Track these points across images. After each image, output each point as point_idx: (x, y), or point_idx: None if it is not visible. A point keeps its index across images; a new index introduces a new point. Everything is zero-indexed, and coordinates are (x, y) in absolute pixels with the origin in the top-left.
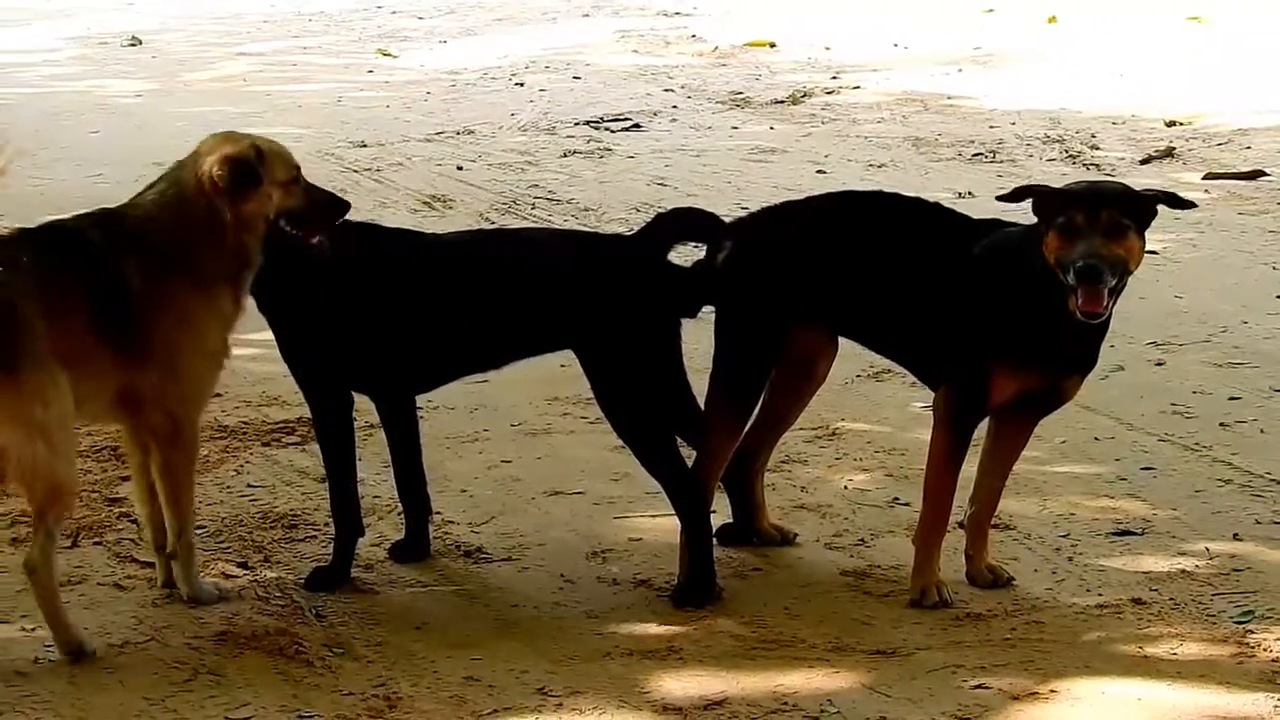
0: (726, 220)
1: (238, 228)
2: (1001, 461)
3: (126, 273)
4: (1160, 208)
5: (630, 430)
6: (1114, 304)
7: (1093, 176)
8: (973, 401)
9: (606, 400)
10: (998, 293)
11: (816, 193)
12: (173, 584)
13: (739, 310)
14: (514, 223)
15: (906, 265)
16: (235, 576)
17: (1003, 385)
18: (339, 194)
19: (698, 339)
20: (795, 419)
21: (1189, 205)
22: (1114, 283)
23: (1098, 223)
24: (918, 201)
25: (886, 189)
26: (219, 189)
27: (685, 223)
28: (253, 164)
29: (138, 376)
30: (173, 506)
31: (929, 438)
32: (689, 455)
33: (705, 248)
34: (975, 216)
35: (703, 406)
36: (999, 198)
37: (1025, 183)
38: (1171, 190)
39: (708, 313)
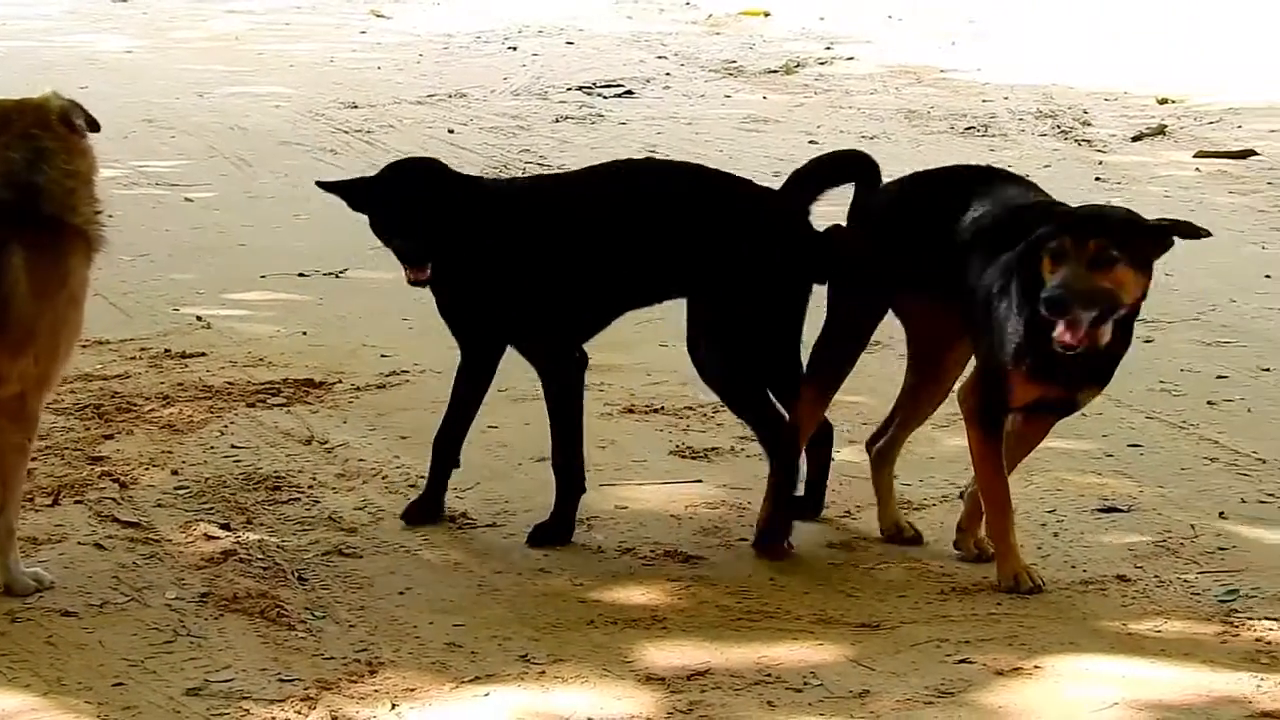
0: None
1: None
2: (1014, 451)
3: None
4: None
5: (729, 385)
6: (1109, 332)
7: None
8: (996, 400)
9: (718, 354)
10: (1019, 303)
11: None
12: None
13: (843, 279)
14: None
15: (978, 250)
16: (217, 538)
17: (1020, 391)
18: None
19: None
20: (929, 414)
21: (1203, 234)
22: (1090, 315)
23: (1083, 252)
24: (1015, 179)
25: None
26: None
27: (839, 168)
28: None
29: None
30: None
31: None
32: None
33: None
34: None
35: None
36: None
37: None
38: (1186, 220)
39: None
